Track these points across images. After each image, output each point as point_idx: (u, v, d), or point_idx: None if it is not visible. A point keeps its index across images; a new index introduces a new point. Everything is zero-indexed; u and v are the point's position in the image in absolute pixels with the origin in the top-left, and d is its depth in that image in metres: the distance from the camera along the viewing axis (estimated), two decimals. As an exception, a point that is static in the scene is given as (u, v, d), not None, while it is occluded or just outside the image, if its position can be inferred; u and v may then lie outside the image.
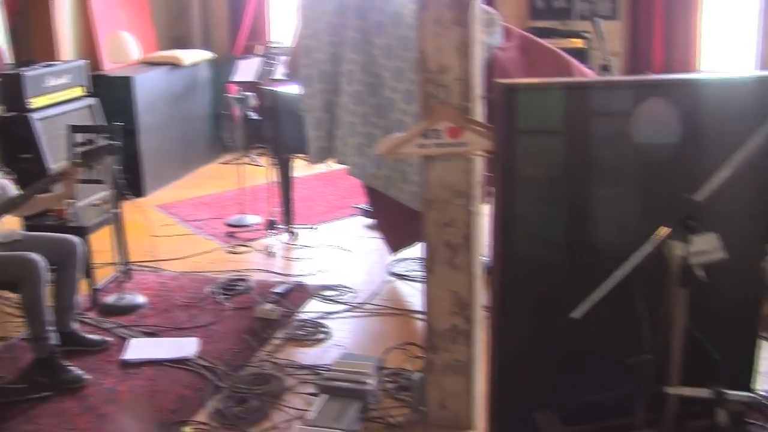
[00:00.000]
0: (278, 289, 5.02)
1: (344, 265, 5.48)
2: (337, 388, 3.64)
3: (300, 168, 6.07)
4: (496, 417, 3.23)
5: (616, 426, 3.24)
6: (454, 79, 3.15)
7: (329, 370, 3.82)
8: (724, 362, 3.14)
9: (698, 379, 3.25)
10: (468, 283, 3.32)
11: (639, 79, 3.25)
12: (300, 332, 4.48)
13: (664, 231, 2.56)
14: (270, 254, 5.77)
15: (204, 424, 3.55)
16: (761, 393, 2.04)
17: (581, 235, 3.06)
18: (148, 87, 7.05)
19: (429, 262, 3.36)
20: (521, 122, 2.87)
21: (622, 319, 2.78)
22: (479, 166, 3.30)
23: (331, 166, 5.72)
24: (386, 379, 3.88)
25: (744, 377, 2.62)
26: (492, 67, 4.44)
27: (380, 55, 4.30)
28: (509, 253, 3.00)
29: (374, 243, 5.61)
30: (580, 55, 6.10)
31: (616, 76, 3.63)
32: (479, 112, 3.28)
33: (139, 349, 4.27)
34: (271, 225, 6.07)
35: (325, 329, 4.52)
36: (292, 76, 5.29)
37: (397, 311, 4.72)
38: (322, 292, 5.02)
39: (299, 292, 5.03)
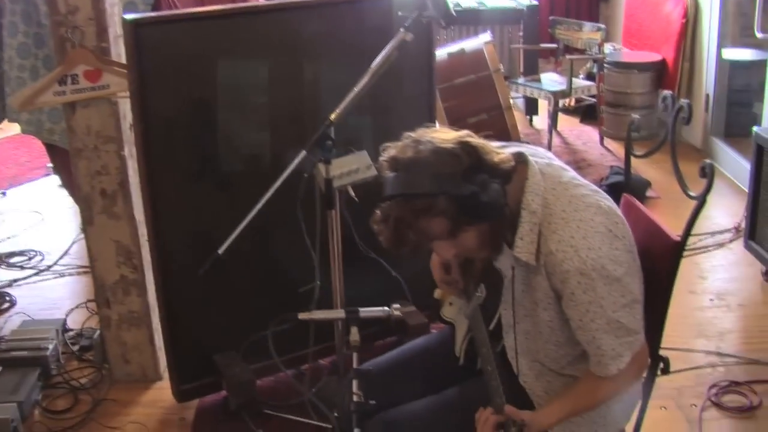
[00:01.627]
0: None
1: (35, 229, 5.15)
2: (13, 358, 3.41)
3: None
4: (177, 364, 3.17)
5: (296, 357, 3.30)
6: (87, 19, 2.96)
7: (4, 340, 3.57)
8: (405, 280, 3.29)
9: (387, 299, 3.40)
10: (130, 231, 3.19)
11: (267, 5, 3.18)
12: None
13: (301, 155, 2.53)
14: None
15: None
16: (395, 308, 2.08)
17: (231, 169, 3.02)
18: None
19: (86, 214, 3.19)
20: (152, 58, 2.75)
21: (292, 249, 2.77)
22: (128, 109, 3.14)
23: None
24: (70, 341, 3.69)
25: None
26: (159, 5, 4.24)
27: (42, 2, 3.99)
28: (160, 194, 2.91)
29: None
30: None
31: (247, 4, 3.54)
32: (121, 52, 3.11)
33: None
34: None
35: (9, 298, 4.22)
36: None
37: (87, 269, 4.48)
38: (6, 259, 4.68)
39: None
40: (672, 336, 3.43)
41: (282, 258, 3.15)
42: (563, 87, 5.80)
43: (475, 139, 1.81)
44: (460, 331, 2.17)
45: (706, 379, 3.25)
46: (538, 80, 6.03)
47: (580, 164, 5.61)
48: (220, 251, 2.48)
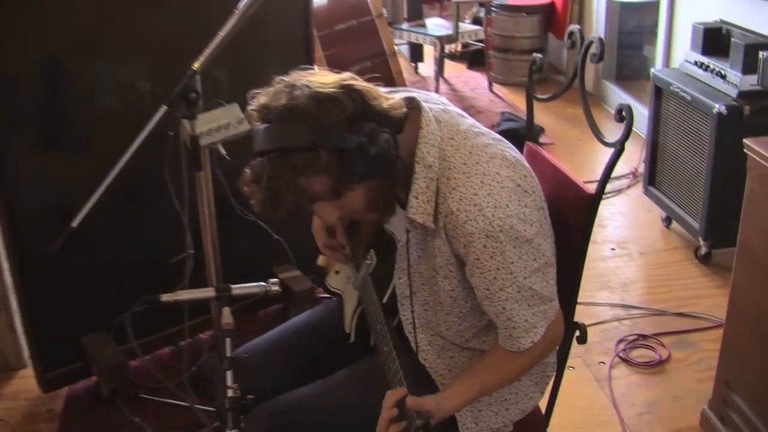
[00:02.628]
0: None
1: None
2: None
3: None
4: (40, 349, 2.82)
5: (174, 333, 3.02)
6: None
7: None
8: (288, 242, 3.03)
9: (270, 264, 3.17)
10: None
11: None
12: None
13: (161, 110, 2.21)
14: None
15: None
16: (272, 281, 1.81)
17: (88, 131, 2.67)
18: None
19: None
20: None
21: (161, 216, 2.45)
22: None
23: None
24: None
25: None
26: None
27: None
28: (6, 162, 2.54)
29: None
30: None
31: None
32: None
33: None
34: None
35: None
36: None
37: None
38: None
39: None
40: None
41: (150, 226, 2.84)
42: (449, 32, 5.59)
43: (360, 83, 1.53)
44: (350, 304, 1.91)
45: (613, 333, 3.11)
46: (423, 25, 5.79)
47: (469, 111, 5.38)
48: (74, 224, 2.16)
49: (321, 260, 2.03)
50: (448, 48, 6.20)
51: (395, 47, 5.20)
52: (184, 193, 2.23)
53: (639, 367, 2.93)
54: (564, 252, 1.70)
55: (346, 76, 1.53)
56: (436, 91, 5.61)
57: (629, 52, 5.58)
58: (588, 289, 3.36)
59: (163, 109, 2.09)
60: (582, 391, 2.80)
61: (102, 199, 2.11)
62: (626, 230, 3.96)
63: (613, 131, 1.66)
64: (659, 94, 3.73)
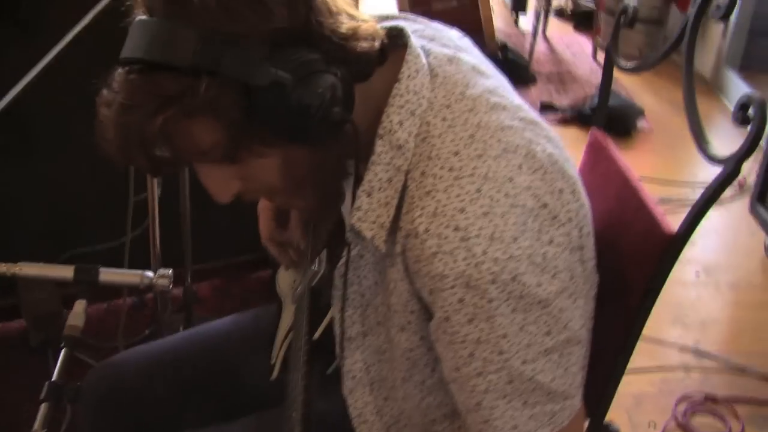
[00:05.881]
0: None
1: None
2: None
3: None
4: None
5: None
6: None
7: None
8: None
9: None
10: None
11: None
12: None
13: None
14: None
15: None
16: (162, 273, 1.22)
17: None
18: None
19: None
20: None
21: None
22: None
23: None
24: None
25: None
26: None
27: None
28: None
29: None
30: None
31: None
32: None
33: None
34: None
35: None
36: None
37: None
38: None
39: None
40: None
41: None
42: (558, -19, 4.82)
43: None
44: (285, 322, 1.30)
45: (675, 387, 2.42)
46: (530, -30, 5.05)
47: (563, 77, 4.67)
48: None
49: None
50: (557, 3, 5.42)
51: (493, -9, 4.48)
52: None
53: (700, 441, 2.25)
54: (612, 308, 1.06)
55: None
56: (532, 49, 4.85)
57: (760, 40, 4.73)
58: (656, 320, 2.65)
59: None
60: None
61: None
62: (718, 253, 3.21)
63: (726, 137, 0.97)
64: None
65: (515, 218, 0.88)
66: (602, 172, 1.22)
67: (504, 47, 4.61)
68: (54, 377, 1.09)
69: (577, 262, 0.96)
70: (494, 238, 0.87)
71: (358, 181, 0.96)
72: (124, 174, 2.00)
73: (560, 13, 5.82)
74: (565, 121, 4.09)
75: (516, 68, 4.50)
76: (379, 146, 0.93)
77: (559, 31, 5.61)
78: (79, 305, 1.18)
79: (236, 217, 1.38)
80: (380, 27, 0.96)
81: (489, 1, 4.36)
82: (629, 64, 1.30)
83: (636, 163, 2.92)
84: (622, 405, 2.30)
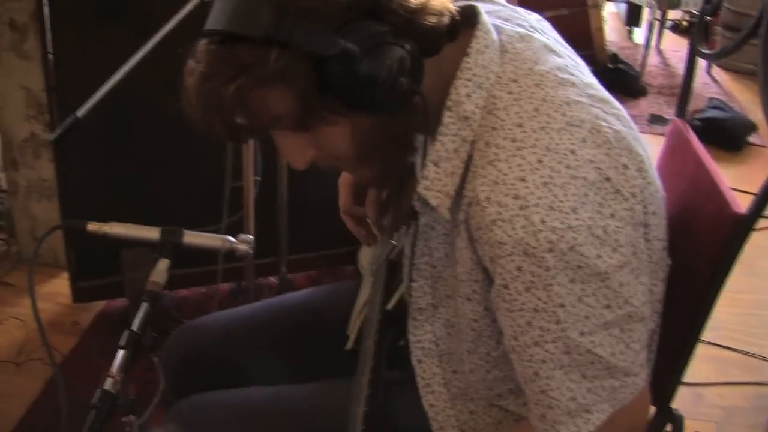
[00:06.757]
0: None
1: None
2: None
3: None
4: (76, 253, 2.45)
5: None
6: None
7: None
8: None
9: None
10: (43, 76, 2.42)
11: None
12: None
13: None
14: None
15: None
16: (244, 238, 1.28)
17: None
18: None
19: (-8, 48, 2.45)
20: None
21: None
22: None
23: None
24: (-4, 202, 3.03)
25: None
26: None
27: None
28: (66, 32, 2.15)
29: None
30: None
31: None
32: None
33: None
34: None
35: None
36: None
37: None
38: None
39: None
40: (731, 326, 2.59)
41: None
42: (673, -6, 4.73)
43: None
44: (362, 296, 1.34)
45: (769, 402, 2.36)
46: (645, -17, 4.97)
47: (675, 90, 4.57)
48: (79, 113, 1.74)
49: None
50: (673, 17, 5.32)
51: (610, 4, 4.43)
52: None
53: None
54: (683, 292, 1.06)
55: None
56: (644, 60, 4.77)
57: None
58: (753, 334, 2.59)
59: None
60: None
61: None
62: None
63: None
64: None
65: (575, 189, 0.90)
66: (679, 157, 1.22)
67: (614, 57, 4.56)
68: (134, 327, 1.15)
69: (640, 239, 0.96)
70: (553, 208, 0.89)
71: (425, 152, 1.00)
72: (222, 161, 2.09)
73: (676, 28, 5.71)
74: (673, 134, 4.01)
75: (626, 79, 4.45)
76: (447, 117, 0.97)
77: (674, 45, 5.51)
78: (162, 263, 1.25)
79: (332, 209, 1.43)
80: (453, 4, 1.00)
81: (600, 12, 4.32)
82: (709, 51, 1.29)
83: (743, 177, 2.86)
84: (712, 416, 2.24)
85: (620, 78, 4.39)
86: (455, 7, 0.99)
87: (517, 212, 0.90)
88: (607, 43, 4.53)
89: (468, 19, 1.01)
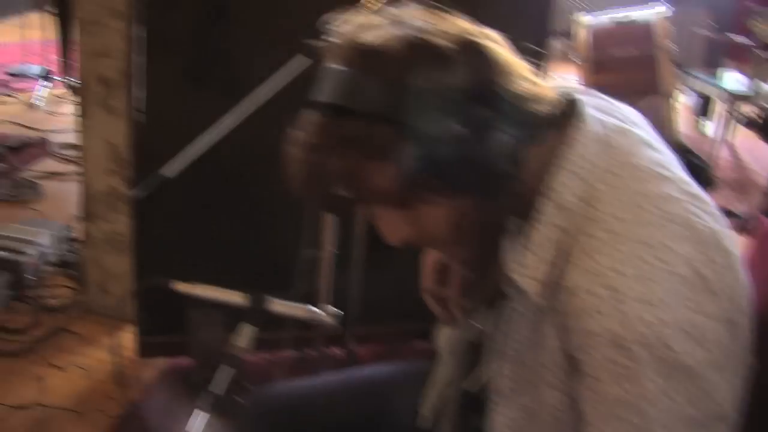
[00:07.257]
0: (9, 143, 4.18)
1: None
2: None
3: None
4: (145, 308, 2.49)
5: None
6: None
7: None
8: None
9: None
10: (127, 132, 2.51)
11: None
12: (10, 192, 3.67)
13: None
14: (32, 106, 4.93)
15: None
16: (331, 309, 1.30)
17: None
18: None
19: (82, 103, 2.55)
20: None
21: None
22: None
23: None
24: (70, 250, 3.11)
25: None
26: None
27: None
28: (155, 91, 2.23)
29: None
30: None
31: None
32: None
33: None
34: (45, 76, 5.21)
35: (36, 189, 3.72)
36: None
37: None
38: (62, 151, 4.20)
39: (36, 148, 4.21)
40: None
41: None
42: (747, 90, 4.71)
43: (494, 45, 0.97)
44: (440, 375, 1.33)
45: None
46: (717, 76, 4.95)
47: (745, 185, 4.53)
48: (168, 172, 1.80)
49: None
50: (748, 112, 5.28)
51: (678, 92, 4.45)
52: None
53: None
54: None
55: (476, 30, 0.97)
56: (713, 152, 4.73)
57: None
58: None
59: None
60: None
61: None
62: None
63: None
64: None
65: (669, 285, 0.90)
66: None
67: (685, 147, 4.54)
68: (213, 389, 1.16)
69: (727, 336, 0.95)
70: (646, 302, 0.89)
71: (519, 237, 1.00)
72: (297, 230, 2.11)
73: (750, 124, 5.66)
74: (743, 229, 3.96)
75: (696, 170, 4.41)
76: (545, 206, 0.98)
77: (748, 141, 5.44)
78: (247, 329, 1.27)
79: (404, 283, 1.44)
80: (557, 94, 1.02)
81: (672, 102, 4.33)
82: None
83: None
84: None
85: (690, 169, 4.36)
86: (559, 97, 1.02)
87: (612, 304, 0.90)
88: (679, 134, 4.53)
89: (570, 108, 1.03)
